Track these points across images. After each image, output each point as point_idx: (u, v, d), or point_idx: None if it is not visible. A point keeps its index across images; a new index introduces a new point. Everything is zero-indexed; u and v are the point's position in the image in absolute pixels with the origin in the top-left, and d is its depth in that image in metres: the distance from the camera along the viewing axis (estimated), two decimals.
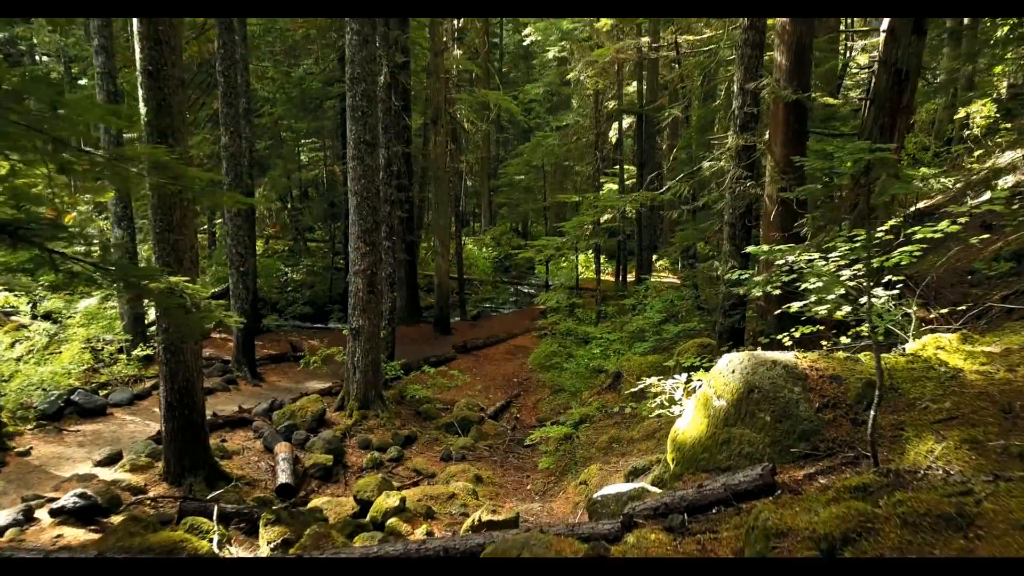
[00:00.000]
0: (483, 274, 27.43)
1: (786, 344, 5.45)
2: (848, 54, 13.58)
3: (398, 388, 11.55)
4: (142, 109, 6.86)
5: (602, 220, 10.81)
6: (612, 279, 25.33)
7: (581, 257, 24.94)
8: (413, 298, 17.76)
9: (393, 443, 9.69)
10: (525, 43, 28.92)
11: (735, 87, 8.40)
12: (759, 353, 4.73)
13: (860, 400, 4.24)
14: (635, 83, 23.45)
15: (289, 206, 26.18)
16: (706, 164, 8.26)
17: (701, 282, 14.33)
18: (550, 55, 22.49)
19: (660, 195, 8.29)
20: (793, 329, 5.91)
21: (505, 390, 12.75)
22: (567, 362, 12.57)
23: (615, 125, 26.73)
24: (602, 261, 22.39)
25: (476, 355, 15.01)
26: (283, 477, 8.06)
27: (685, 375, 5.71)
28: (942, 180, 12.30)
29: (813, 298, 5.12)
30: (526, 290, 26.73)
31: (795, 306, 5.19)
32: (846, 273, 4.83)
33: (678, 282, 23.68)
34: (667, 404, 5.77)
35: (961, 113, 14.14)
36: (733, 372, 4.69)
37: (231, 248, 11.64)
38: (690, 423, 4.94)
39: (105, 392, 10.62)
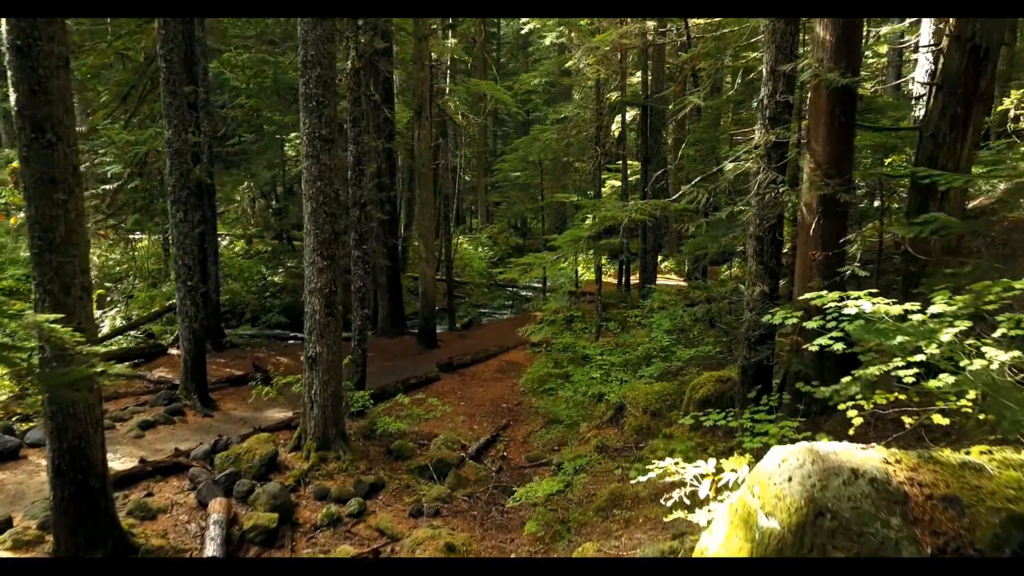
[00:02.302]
0: (479, 276, 25.90)
1: (851, 417, 3.94)
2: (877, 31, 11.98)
3: (367, 420, 10.06)
4: (11, 95, 5.36)
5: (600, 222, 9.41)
6: (614, 281, 23.84)
7: (581, 257, 23.41)
8: (396, 308, 16.26)
9: (355, 492, 8.22)
10: (524, 31, 27.34)
11: (764, 70, 6.86)
12: (827, 451, 3.22)
13: (999, 545, 2.74)
14: (639, 73, 21.87)
15: (274, 203, 24.69)
16: (729, 165, 6.73)
17: (714, 294, 12.80)
18: (547, 41, 20.90)
19: (672, 203, 6.76)
20: (855, 390, 4.37)
21: (492, 419, 11.25)
22: (563, 387, 11.07)
23: (618, 118, 25.16)
24: (603, 261, 20.90)
25: (462, 374, 13.51)
26: (211, 548, 6.61)
27: (712, 464, 4.19)
28: (992, 180, 10.73)
29: (899, 361, 3.63)
30: (524, 293, 25.23)
31: (872, 370, 3.69)
32: (948, 334, 3.35)
33: (685, 286, 22.16)
34: (686, 503, 4.25)
35: (1007, 103, 12.55)
36: (790, 480, 3.16)
37: (177, 259, 10.15)
38: (722, 546, 3.44)
39: (25, 427, 9.16)
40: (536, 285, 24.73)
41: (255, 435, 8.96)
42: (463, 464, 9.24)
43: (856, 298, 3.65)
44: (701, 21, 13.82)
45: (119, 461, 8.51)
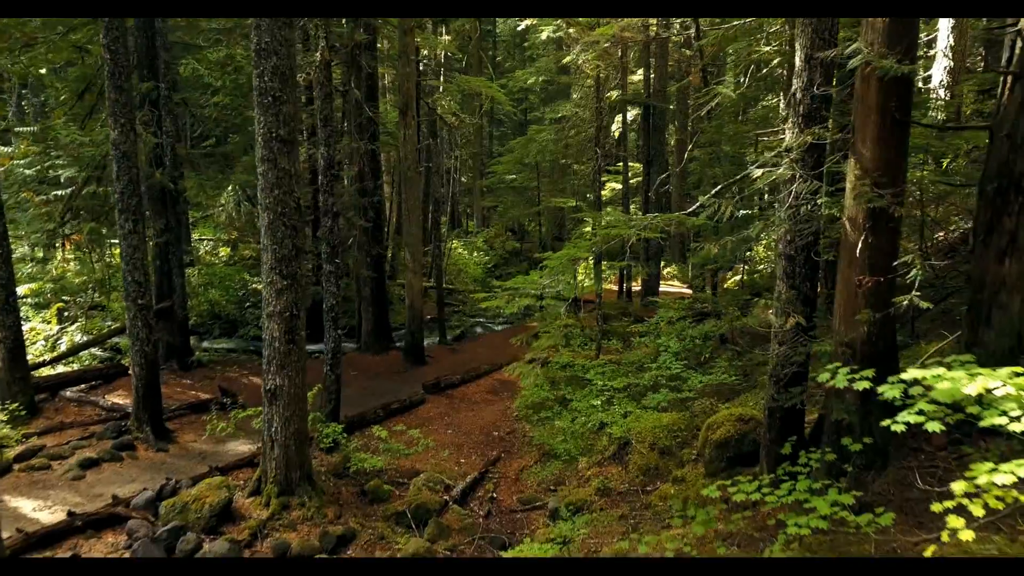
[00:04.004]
0: (473, 282, 24.74)
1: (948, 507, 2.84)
2: None
3: (340, 456, 8.95)
4: None
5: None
6: (615, 287, 22.74)
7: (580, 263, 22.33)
8: (381, 321, 15.14)
9: (320, 547, 7.13)
10: (520, 27, 26.26)
11: (797, 58, 5.77)
12: None
13: None
14: (641, 70, 20.82)
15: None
16: (757, 172, 5.62)
17: (725, 308, 11.71)
18: (543, 36, 19.82)
19: (688, 217, 5.66)
20: (966, 468, 3.24)
21: (482, 450, 10.15)
22: (560, 416, 9.96)
23: (618, 118, 24.09)
24: (603, 266, 19.79)
25: (450, 396, 12.41)
26: None
27: None
28: None
29: None
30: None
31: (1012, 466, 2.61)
32: None
33: (690, 293, 21.07)
34: None
35: None
36: None
37: (125, 275, 9.04)
38: None
39: None
40: (533, 291, 23.60)
41: (207, 479, 7.85)
42: (446, 509, 8.13)
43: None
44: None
45: (48, 511, 7.42)
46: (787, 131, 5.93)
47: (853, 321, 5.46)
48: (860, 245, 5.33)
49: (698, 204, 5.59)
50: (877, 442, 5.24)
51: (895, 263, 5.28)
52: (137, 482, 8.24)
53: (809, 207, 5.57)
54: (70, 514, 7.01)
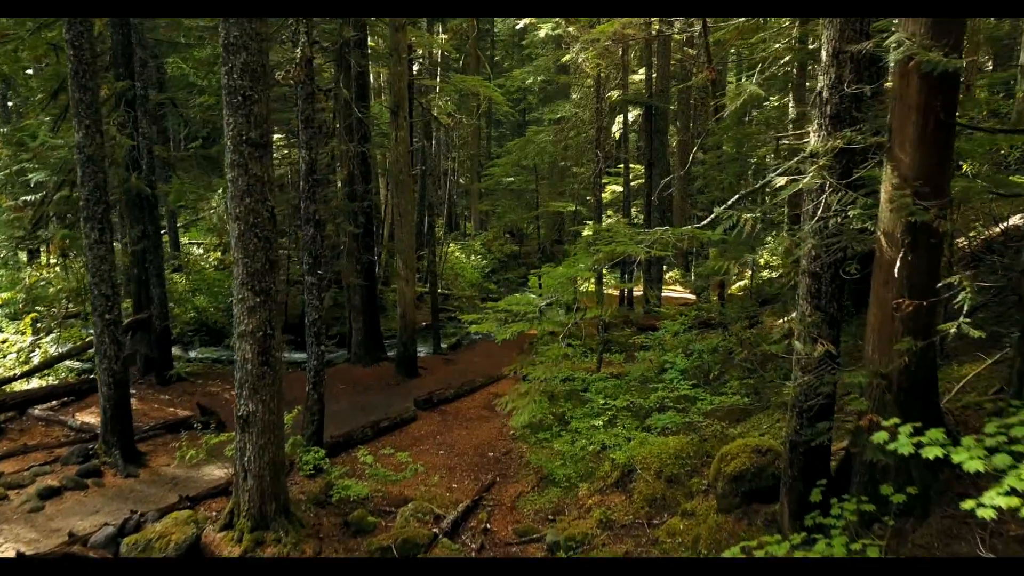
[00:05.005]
0: (470, 287, 24.10)
1: None
2: None
3: (322, 482, 8.32)
4: None
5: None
6: (615, 292, 22.11)
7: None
8: (372, 331, 14.50)
9: None
10: (519, 26, 25.64)
11: (824, 51, 5.14)
12: None
13: None
14: (643, 69, 20.20)
15: None
16: (780, 179, 5.00)
17: (732, 319, 11.08)
18: (542, 34, 19.19)
19: (704, 231, 5.02)
20: None
21: (476, 474, 9.52)
22: (559, 438, 9.33)
23: (619, 118, 23.48)
24: (604, 271, 19.14)
25: (444, 412, 11.78)
26: None
27: None
28: None
29: None
30: None
31: None
32: None
33: (693, 299, 20.43)
34: None
35: None
36: None
37: (92, 288, 8.41)
38: None
39: None
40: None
41: (175, 513, 7.22)
42: (435, 543, 7.48)
43: None
44: None
45: None
46: (811, 134, 5.30)
47: (890, 349, 4.84)
48: (898, 263, 4.71)
49: (713, 216, 4.96)
50: (919, 488, 4.63)
51: (938, 284, 4.65)
52: (101, 514, 7.61)
53: (839, 220, 4.94)
54: (19, 555, 6.38)
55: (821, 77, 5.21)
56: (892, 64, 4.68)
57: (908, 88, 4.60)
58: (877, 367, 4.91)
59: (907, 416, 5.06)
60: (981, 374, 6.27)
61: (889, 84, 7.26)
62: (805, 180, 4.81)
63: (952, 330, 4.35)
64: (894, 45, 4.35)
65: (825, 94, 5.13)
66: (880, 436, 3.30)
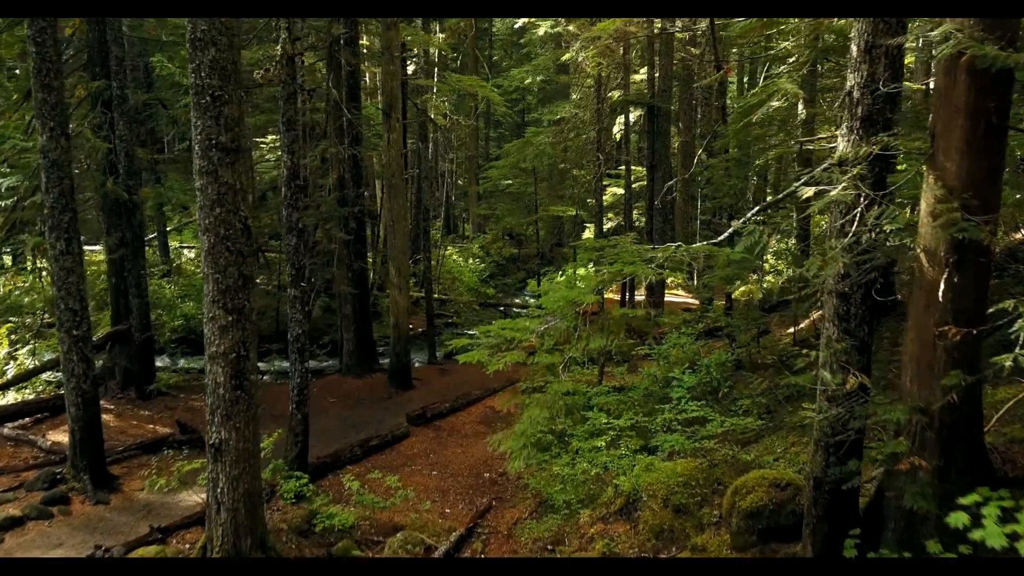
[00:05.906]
0: (468, 292, 23.53)
1: None
2: None
3: (306, 509, 7.77)
4: None
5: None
6: (616, 297, 21.57)
7: (581, 271, 21.14)
8: (364, 341, 13.94)
9: None
10: (518, 25, 25.12)
11: (854, 46, 4.60)
12: None
13: None
14: (645, 69, 19.64)
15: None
16: (808, 190, 4.45)
17: (740, 328, 10.53)
18: (541, 32, 18.64)
19: (718, 248, 4.47)
20: None
21: (471, 497, 8.97)
22: (558, 460, 8.75)
23: (620, 119, 22.92)
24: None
25: (437, 428, 11.23)
26: None
27: None
28: None
29: None
30: (517, 311, 22.91)
31: None
32: None
33: (697, 304, 19.87)
34: None
35: None
36: None
37: (58, 302, 7.86)
38: None
39: None
40: (532, 300, 22.40)
41: (143, 547, 6.67)
42: None
43: None
44: None
45: None
46: (840, 138, 4.76)
47: (931, 381, 4.30)
48: (942, 286, 4.16)
49: (732, 230, 4.40)
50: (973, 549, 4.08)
51: (988, 310, 4.10)
52: (64, 547, 7.06)
53: (873, 235, 4.40)
54: None
55: (850, 75, 4.67)
56: (936, 61, 4.14)
57: (955, 87, 4.06)
58: (917, 401, 4.36)
59: (949, 457, 4.53)
60: (1023, 400, 5.72)
61: (909, 84, 6.67)
62: (836, 191, 4.26)
63: (1008, 363, 3.80)
64: (943, 37, 3.80)
65: (856, 94, 4.59)
66: (958, 518, 2.75)
